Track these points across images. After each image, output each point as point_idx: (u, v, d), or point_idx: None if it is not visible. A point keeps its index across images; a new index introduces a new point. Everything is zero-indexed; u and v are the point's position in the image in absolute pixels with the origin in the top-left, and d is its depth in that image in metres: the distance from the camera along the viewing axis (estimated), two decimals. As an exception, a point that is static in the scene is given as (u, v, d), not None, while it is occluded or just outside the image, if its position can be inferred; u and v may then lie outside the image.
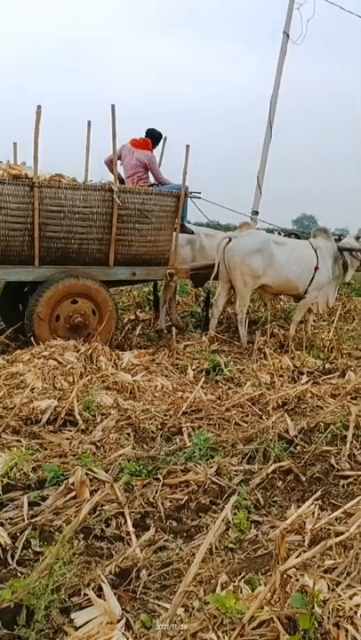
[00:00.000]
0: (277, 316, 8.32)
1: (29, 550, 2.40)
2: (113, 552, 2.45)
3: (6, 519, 2.59)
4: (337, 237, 7.23)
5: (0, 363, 4.77)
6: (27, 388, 4.20)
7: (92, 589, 1.99)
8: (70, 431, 3.74)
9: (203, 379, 4.75)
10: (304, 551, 2.36)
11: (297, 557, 1.89)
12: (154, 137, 6.27)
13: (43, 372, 4.52)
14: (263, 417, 4.26)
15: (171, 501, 2.90)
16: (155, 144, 6.28)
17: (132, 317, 7.68)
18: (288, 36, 11.99)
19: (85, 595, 1.98)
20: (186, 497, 2.93)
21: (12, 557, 2.34)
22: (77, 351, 5.03)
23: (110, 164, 6.14)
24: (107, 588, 1.99)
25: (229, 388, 4.91)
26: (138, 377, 4.82)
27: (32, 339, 5.28)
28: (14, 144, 6.24)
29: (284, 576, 1.90)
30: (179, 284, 9.31)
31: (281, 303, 9.04)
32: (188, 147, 5.76)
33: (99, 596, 1.96)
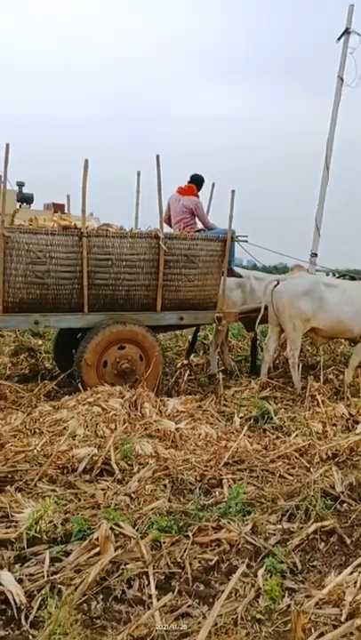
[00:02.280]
0: (336, 361, 7.96)
1: (45, 610, 2.31)
2: (132, 617, 2.32)
3: (26, 575, 2.53)
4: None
5: (46, 409, 4.82)
6: (69, 436, 4.21)
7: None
8: (107, 481, 3.67)
9: (246, 427, 4.56)
10: (336, 625, 2.12)
11: (318, 638, 1.69)
12: (198, 182, 6.37)
13: (86, 419, 4.51)
14: (311, 469, 4.01)
15: (200, 562, 2.73)
16: (199, 188, 6.36)
17: (185, 362, 7.60)
18: (342, 80, 12.03)
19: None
20: (216, 557, 2.76)
21: (27, 618, 2.25)
22: (122, 397, 5.01)
23: (168, 221, 6.30)
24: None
25: (277, 438, 4.69)
26: (182, 424, 4.71)
27: (80, 385, 5.33)
28: (67, 196, 6.53)
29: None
30: (236, 328, 9.23)
31: (341, 347, 8.67)
32: (233, 192, 5.79)
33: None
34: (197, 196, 6.27)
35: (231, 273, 6.26)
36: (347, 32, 12.22)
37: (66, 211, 6.61)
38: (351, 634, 2.14)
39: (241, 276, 6.67)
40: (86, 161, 5.11)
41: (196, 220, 6.27)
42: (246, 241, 6.17)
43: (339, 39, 12.43)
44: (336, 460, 4.17)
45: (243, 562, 2.74)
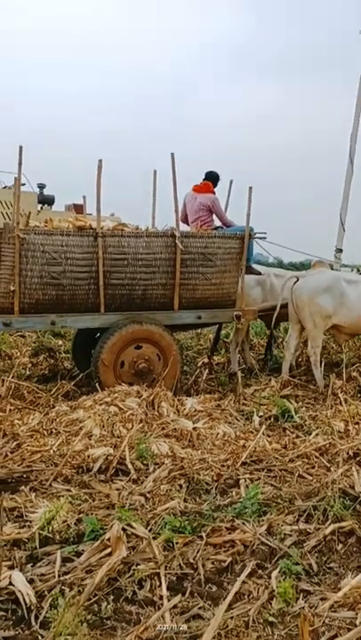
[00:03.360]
0: None
1: (55, 610, 2.29)
2: (142, 617, 2.28)
3: (38, 575, 2.52)
4: None
5: (63, 409, 4.83)
6: (85, 436, 4.20)
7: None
8: (122, 481, 3.65)
9: (264, 426, 4.49)
10: (351, 629, 2.05)
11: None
12: (213, 178, 6.30)
13: (102, 419, 4.50)
14: (331, 469, 3.91)
15: (213, 563, 2.68)
16: (215, 185, 6.29)
17: (206, 361, 7.55)
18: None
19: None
20: (230, 558, 2.70)
21: (36, 618, 2.24)
22: (140, 397, 4.99)
23: (185, 220, 6.26)
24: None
25: (297, 437, 4.60)
26: (199, 424, 4.66)
27: (98, 385, 5.32)
28: (84, 197, 6.55)
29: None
30: (258, 326, 9.13)
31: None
32: (250, 188, 5.73)
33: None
34: (214, 193, 6.21)
35: (250, 270, 6.19)
36: (369, 23, 12.00)
37: (84, 211, 6.63)
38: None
39: (261, 274, 6.59)
40: (100, 161, 5.10)
41: (214, 217, 6.21)
42: (264, 238, 6.09)
43: (361, 31, 12.21)
44: (357, 459, 4.06)
45: (256, 563, 2.68)
